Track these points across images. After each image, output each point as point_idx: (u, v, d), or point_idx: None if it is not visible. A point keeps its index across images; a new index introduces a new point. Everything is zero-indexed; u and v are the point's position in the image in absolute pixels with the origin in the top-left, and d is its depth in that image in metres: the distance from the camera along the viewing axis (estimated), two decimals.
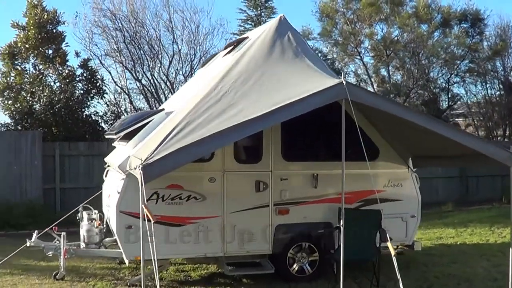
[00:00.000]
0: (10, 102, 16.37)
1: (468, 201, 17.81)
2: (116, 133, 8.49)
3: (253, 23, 22.29)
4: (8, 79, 16.90)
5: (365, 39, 21.46)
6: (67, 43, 17.67)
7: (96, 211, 9.02)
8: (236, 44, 8.94)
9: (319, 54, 20.52)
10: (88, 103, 17.49)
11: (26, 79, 16.86)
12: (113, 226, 8.03)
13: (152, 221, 5.25)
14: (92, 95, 17.62)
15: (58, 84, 17.10)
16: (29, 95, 16.48)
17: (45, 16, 16.83)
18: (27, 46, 16.79)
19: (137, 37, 19.00)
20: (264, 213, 8.21)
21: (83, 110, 17.17)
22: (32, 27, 16.71)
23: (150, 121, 8.08)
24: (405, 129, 7.57)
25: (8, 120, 16.47)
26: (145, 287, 5.88)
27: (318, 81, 6.59)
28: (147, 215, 5.38)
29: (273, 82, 7.15)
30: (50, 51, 17.40)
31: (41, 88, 16.31)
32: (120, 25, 18.89)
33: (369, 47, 21.66)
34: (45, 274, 8.75)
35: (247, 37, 8.90)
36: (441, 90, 22.28)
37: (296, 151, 8.61)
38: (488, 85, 23.05)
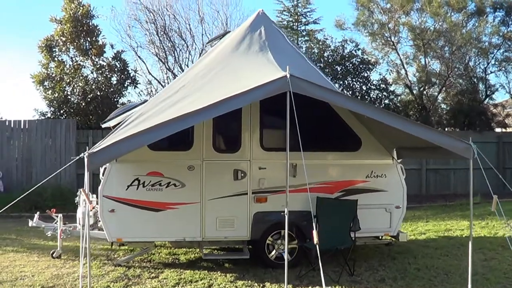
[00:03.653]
0: (49, 92, 17.34)
1: (504, 194, 17.35)
2: (102, 123, 9.03)
3: (289, 14, 22.30)
4: (48, 70, 17.89)
5: (401, 28, 21.21)
6: (104, 35, 18.61)
7: (95, 195, 9.56)
8: (220, 38, 9.20)
9: (351, 43, 20.52)
10: (122, 93, 18.29)
11: (64, 70, 17.78)
12: (98, 209, 8.54)
13: (89, 206, 5.68)
14: (126, 85, 18.38)
15: (94, 75, 17.94)
16: (65, 85, 17.39)
17: (80, 11, 17.69)
18: (63, 39, 17.70)
19: (169, 29, 19.66)
20: (242, 200, 8.45)
21: (117, 99, 17.94)
22: (67, 21, 17.61)
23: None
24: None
25: (46, 109, 17.53)
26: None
27: (269, 74, 6.73)
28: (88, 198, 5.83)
29: (229, 75, 7.36)
30: (87, 44, 18.24)
31: (76, 79, 17.18)
32: (153, 18, 19.59)
33: (409, 37, 21.34)
34: (45, 253, 9.42)
35: (229, 31, 9.17)
36: (478, 79, 21.58)
37: (274, 140, 8.66)
38: None
